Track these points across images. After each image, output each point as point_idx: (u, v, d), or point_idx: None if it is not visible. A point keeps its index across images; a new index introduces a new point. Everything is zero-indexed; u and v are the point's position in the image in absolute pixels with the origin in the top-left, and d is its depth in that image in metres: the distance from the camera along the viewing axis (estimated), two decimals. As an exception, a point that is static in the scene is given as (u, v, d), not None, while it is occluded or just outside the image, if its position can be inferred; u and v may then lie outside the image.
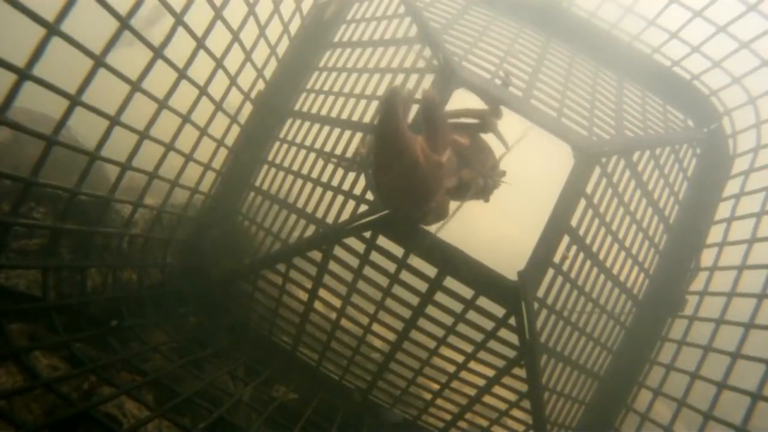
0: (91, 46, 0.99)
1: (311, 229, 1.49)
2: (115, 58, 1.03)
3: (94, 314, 1.31)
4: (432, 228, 1.35)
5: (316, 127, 1.64)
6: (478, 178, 1.33)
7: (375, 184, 1.22)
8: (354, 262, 1.38)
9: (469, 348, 1.42)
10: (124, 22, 1.04)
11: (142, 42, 1.12)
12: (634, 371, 1.74)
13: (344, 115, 1.58)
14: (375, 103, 1.50)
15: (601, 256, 1.50)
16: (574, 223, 1.32)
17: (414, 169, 1.08)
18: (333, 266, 1.41)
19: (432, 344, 1.45)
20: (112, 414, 1.10)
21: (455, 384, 1.49)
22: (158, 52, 1.18)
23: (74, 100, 1.01)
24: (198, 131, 1.48)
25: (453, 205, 1.39)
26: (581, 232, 1.38)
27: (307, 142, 1.64)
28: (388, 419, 1.60)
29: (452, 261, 1.27)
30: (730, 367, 1.40)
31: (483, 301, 1.30)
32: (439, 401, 1.55)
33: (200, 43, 1.32)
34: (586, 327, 1.58)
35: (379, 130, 1.08)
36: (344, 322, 1.49)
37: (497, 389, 1.47)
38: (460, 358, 1.44)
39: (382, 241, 1.32)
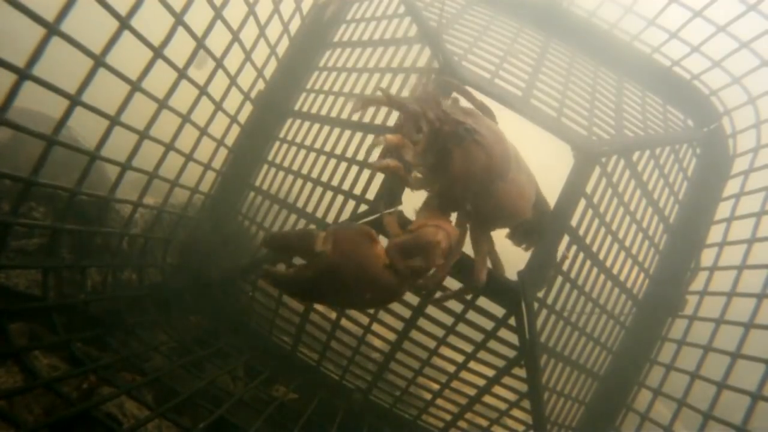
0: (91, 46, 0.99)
1: (311, 229, 1.48)
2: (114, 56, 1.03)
3: (94, 314, 1.31)
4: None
5: (316, 126, 1.64)
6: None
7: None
8: (354, 261, 1.37)
9: (469, 348, 1.42)
10: (124, 22, 1.05)
11: (142, 42, 1.12)
12: (634, 371, 1.74)
13: (344, 115, 1.57)
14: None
15: (601, 256, 1.50)
16: (574, 223, 1.32)
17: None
18: (333, 266, 1.40)
19: (432, 344, 1.45)
20: (112, 413, 1.10)
21: (455, 384, 1.49)
22: (158, 52, 1.18)
23: (74, 100, 1.01)
24: (198, 131, 1.48)
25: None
26: (581, 232, 1.38)
27: (307, 142, 1.64)
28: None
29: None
30: (730, 367, 1.40)
31: (483, 301, 1.30)
32: (439, 401, 1.55)
33: (200, 43, 1.32)
34: (586, 327, 1.58)
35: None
36: (344, 322, 1.49)
37: (497, 389, 1.46)
38: (460, 358, 1.44)
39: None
